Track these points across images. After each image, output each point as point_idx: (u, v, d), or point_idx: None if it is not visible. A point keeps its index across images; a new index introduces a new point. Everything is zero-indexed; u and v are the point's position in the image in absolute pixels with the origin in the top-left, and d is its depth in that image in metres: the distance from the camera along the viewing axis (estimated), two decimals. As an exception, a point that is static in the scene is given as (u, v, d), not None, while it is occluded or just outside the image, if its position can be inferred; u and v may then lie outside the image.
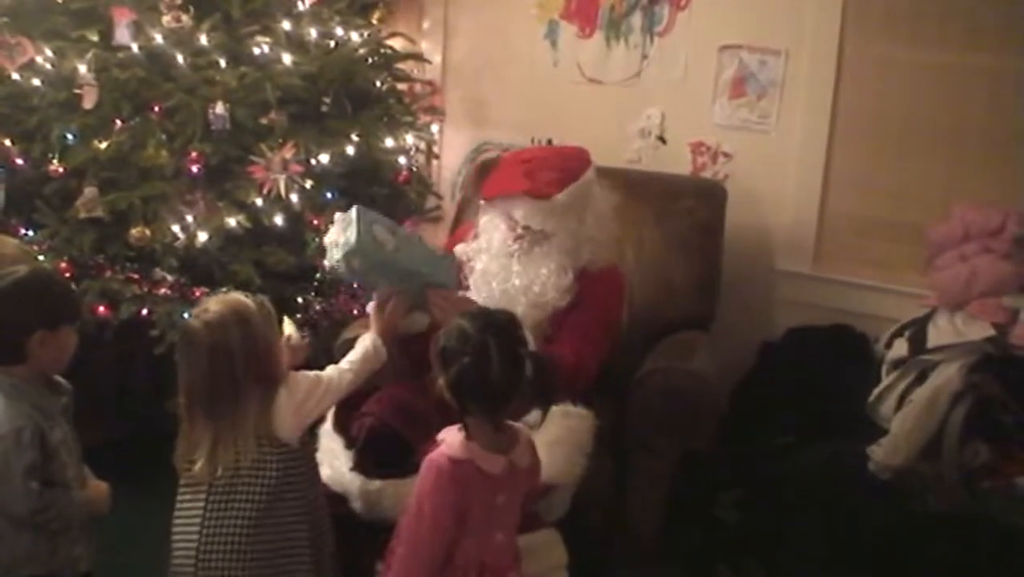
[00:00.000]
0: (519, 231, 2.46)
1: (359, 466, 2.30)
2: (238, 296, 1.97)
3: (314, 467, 2.10)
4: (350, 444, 2.35)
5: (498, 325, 1.90)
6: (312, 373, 2.04)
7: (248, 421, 1.92)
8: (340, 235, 2.14)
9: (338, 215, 2.22)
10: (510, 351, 1.85)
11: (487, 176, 2.59)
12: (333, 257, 2.16)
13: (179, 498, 2.02)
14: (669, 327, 2.88)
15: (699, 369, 2.57)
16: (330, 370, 2.07)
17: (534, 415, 2.01)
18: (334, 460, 2.32)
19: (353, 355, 2.13)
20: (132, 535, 2.66)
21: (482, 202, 2.58)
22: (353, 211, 2.15)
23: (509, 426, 1.94)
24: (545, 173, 2.44)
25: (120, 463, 2.76)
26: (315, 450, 2.12)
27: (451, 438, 1.92)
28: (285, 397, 1.95)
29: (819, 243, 3.17)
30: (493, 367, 1.82)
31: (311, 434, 2.09)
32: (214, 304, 1.93)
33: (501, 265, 2.47)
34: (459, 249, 2.58)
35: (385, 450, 2.31)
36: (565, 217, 2.44)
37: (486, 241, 2.51)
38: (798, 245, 3.18)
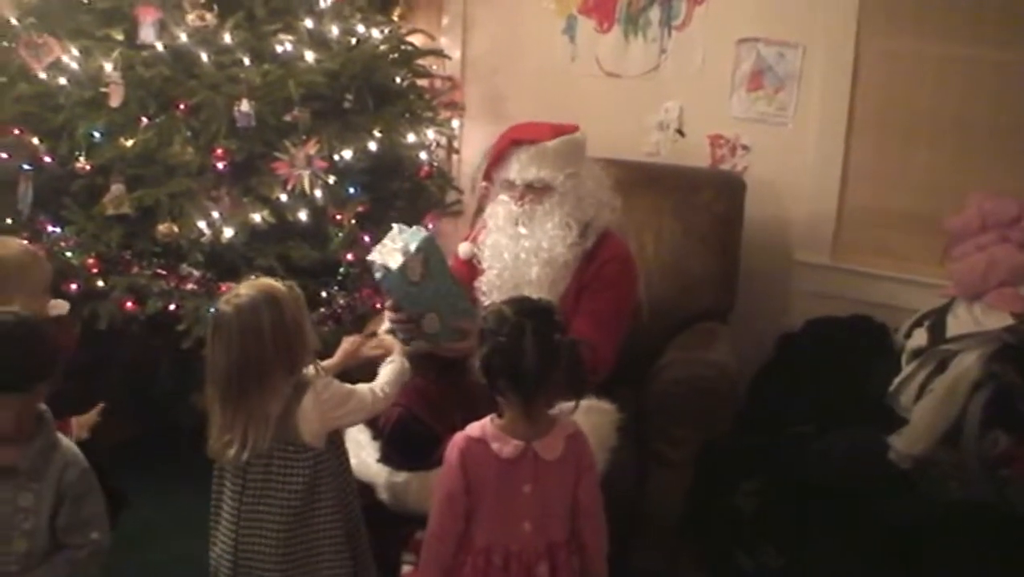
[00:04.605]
0: (519, 191, 2.50)
1: (386, 457, 2.33)
2: (268, 280, 2.01)
3: (344, 462, 2.11)
4: (377, 435, 2.38)
5: (536, 310, 1.94)
6: (347, 385, 2.05)
7: (274, 404, 1.94)
8: (390, 254, 2.27)
9: (400, 229, 2.31)
10: (545, 336, 1.88)
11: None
12: (377, 262, 2.28)
13: (214, 489, 2.06)
14: (689, 318, 2.90)
15: (719, 359, 2.60)
16: (364, 388, 2.09)
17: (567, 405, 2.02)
18: (360, 451, 2.35)
19: (386, 379, 2.14)
20: (156, 528, 2.71)
21: (483, 184, 2.64)
22: (412, 243, 2.25)
23: (546, 416, 1.95)
24: (534, 129, 2.54)
25: (145, 458, 2.83)
26: (343, 445, 2.14)
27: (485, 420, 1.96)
28: (311, 400, 1.96)
29: (838, 234, 3.18)
30: (527, 350, 1.85)
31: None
32: (244, 288, 1.96)
33: (509, 235, 2.52)
34: (464, 249, 2.62)
35: (412, 442, 2.33)
36: (559, 165, 2.48)
37: (493, 222, 2.56)
38: (817, 236, 3.19)
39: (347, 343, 2.28)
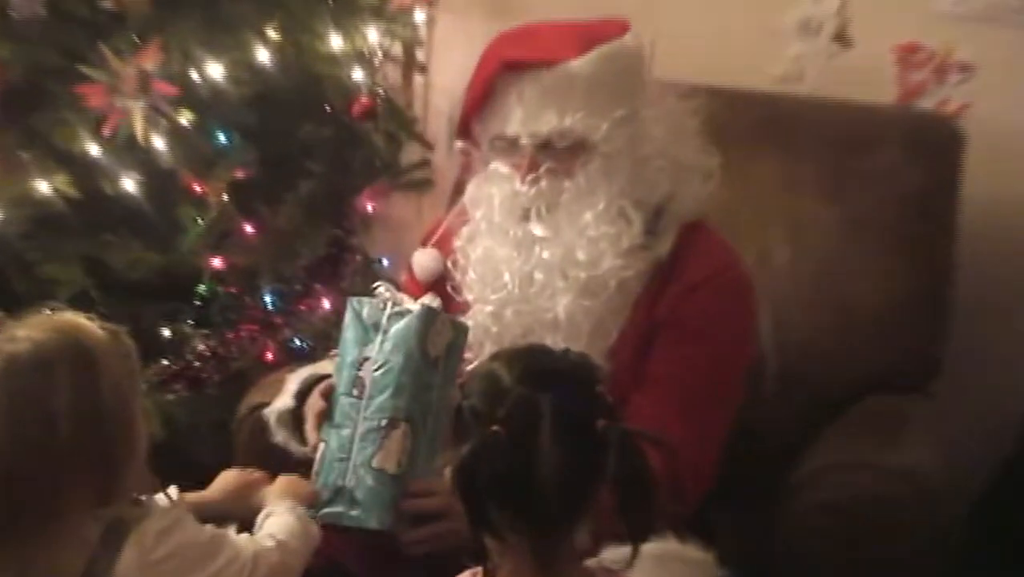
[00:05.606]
0: (527, 156, 2.47)
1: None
2: (75, 319, 1.97)
3: None
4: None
5: (560, 376, 1.84)
6: (207, 529, 2.02)
7: (68, 553, 1.88)
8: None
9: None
10: (576, 424, 1.77)
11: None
12: (372, 301, 2.36)
13: None
14: (855, 386, 2.90)
15: (912, 463, 2.55)
16: (245, 539, 2.07)
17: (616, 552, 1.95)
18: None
19: (282, 527, 2.13)
20: None
21: (458, 144, 2.66)
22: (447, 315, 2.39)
23: (577, 570, 1.87)
24: (546, 36, 2.54)
25: None
26: None
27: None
28: (135, 557, 1.89)
29: None
30: (542, 451, 1.74)
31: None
32: (29, 329, 1.92)
33: (514, 239, 2.49)
34: (424, 259, 2.64)
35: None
36: (598, 103, 2.45)
37: (484, 214, 2.55)
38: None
39: (233, 478, 2.32)
